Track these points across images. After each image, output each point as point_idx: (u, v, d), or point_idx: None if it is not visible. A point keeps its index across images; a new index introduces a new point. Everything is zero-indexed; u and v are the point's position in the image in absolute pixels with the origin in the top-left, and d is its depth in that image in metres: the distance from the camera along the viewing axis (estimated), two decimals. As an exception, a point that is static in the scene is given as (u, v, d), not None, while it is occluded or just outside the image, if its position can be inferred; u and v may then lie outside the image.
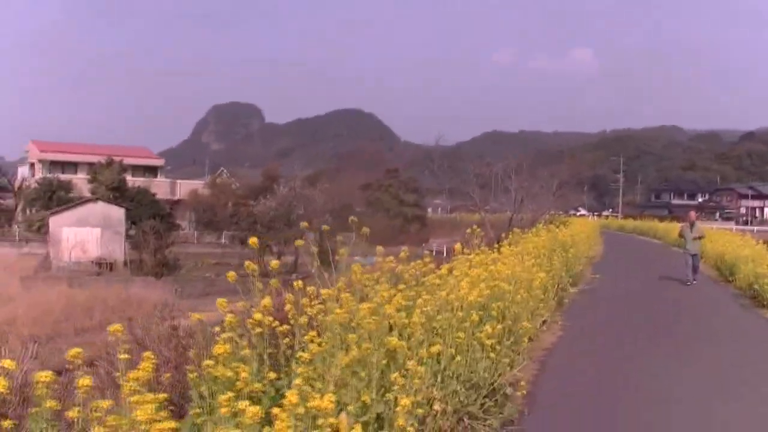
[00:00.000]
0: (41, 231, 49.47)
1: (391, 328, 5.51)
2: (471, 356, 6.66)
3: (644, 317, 14.75)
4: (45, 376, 3.07)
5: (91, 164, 61.35)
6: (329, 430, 3.63)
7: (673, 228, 38.58)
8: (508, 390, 7.57)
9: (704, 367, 10.04)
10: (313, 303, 5.29)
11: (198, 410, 4.09)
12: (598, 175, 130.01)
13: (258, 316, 4.64)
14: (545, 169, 41.48)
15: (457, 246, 9.33)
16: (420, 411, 4.82)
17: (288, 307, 5.15)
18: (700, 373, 9.61)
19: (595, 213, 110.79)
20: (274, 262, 5.39)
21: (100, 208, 47.10)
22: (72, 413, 3.02)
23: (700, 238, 21.03)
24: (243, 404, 3.29)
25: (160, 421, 2.95)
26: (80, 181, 59.76)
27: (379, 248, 6.64)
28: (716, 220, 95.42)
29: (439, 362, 5.93)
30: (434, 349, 5.60)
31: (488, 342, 6.81)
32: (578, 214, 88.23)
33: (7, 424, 3.90)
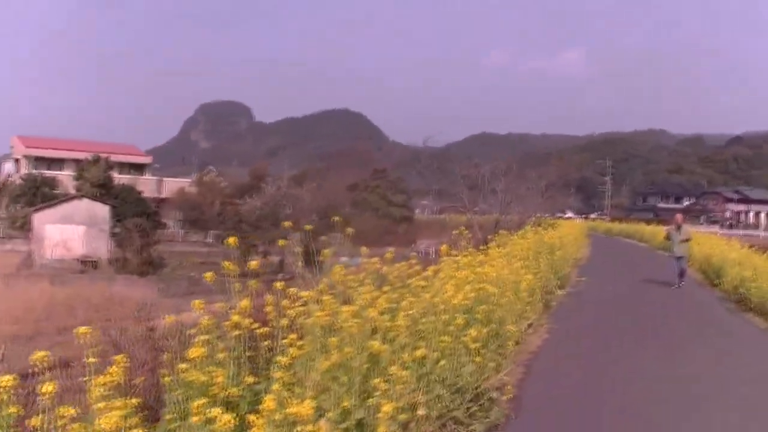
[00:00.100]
0: (25, 228, 48.97)
1: (375, 331, 5.39)
2: (456, 360, 6.54)
3: (631, 320, 14.69)
4: (6, 380, 2.91)
5: (77, 161, 60.85)
6: (308, 437, 3.50)
7: (660, 231, 38.64)
8: (494, 394, 7.46)
9: (690, 369, 9.98)
10: (294, 305, 5.13)
11: (172, 416, 3.94)
12: (585, 178, 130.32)
13: (236, 318, 4.47)
14: (533, 171, 41.45)
15: (444, 248, 9.21)
16: (403, 417, 4.69)
17: (268, 308, 4.99)
18: (687, 375, 9.54)
19: (583, 215, 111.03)
20: (254, 263, 5.21)
21: (85, 205, 46.72)
22: (34, 421, 2.86)
23: (687, 240, 20.98)
24: (216, 411, 3.15)
25: (129, 428, 2.81)
26: (66, 177, 59.25)
27: (364, 249, 6.51)
28: (701, 223, 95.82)
29: (423, 366, 5.80)
30: (419, 353, 5.48)
31: (474, 346, 6.70)
32: (565, 216, 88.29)
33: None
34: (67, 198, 48.29)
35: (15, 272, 39.56)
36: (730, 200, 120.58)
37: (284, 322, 4.96)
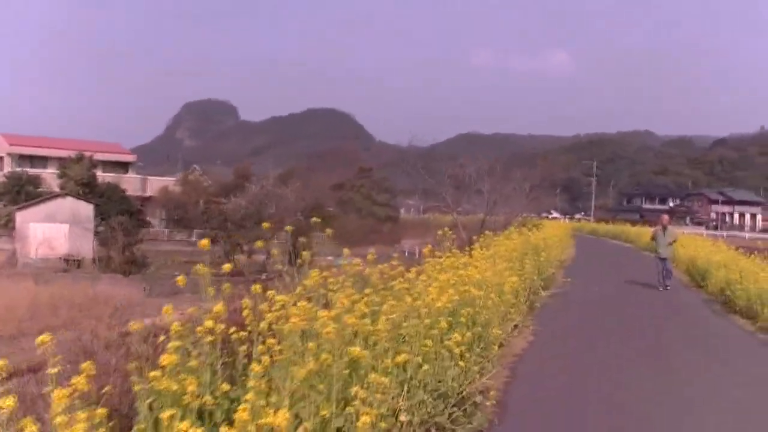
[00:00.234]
0: (8, 226, 48.46)
1: (356, 335, 5.26)
2: (439, 364, 6.44)
3: (616, 321, 14.68)
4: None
5: (61, 159, 60.30)
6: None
7: (645, 232, 38.73)
8: (478, 398, 7.37)
9: (676, 370, 9.96)
10: (272, 308, 4.98)
11: (143, 426, 3.79)
12: (571, 178, 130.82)
13: (209, 323, 4.32)
14: (519, 172, 41.40)
15: (426, 249, 9.10)
16: (383, 425, 4.56)
17: (245, 312, 4.84)
18: (673, 376, 9.51)
19: (568, 216, 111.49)
20: (227, 266, 5.05)
21: (69, 203, 46.26)
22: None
23: (673, 242, 21.03)
24: (185, 425, 3.00)
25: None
26: (50, 176, 58.72)
27: (345, 250, 6.38)
28: (686, 224, 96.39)
29: (405, 371, 5.67)
30: (400, 358, 5.36)
31: (457, 350, 6.59)
32: (551, 217, 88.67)
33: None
34: (51, 196, 47.77)
35: (-2, 271, 39.13)
36: (715, 202, 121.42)
37: (263, 326, 4.81)
